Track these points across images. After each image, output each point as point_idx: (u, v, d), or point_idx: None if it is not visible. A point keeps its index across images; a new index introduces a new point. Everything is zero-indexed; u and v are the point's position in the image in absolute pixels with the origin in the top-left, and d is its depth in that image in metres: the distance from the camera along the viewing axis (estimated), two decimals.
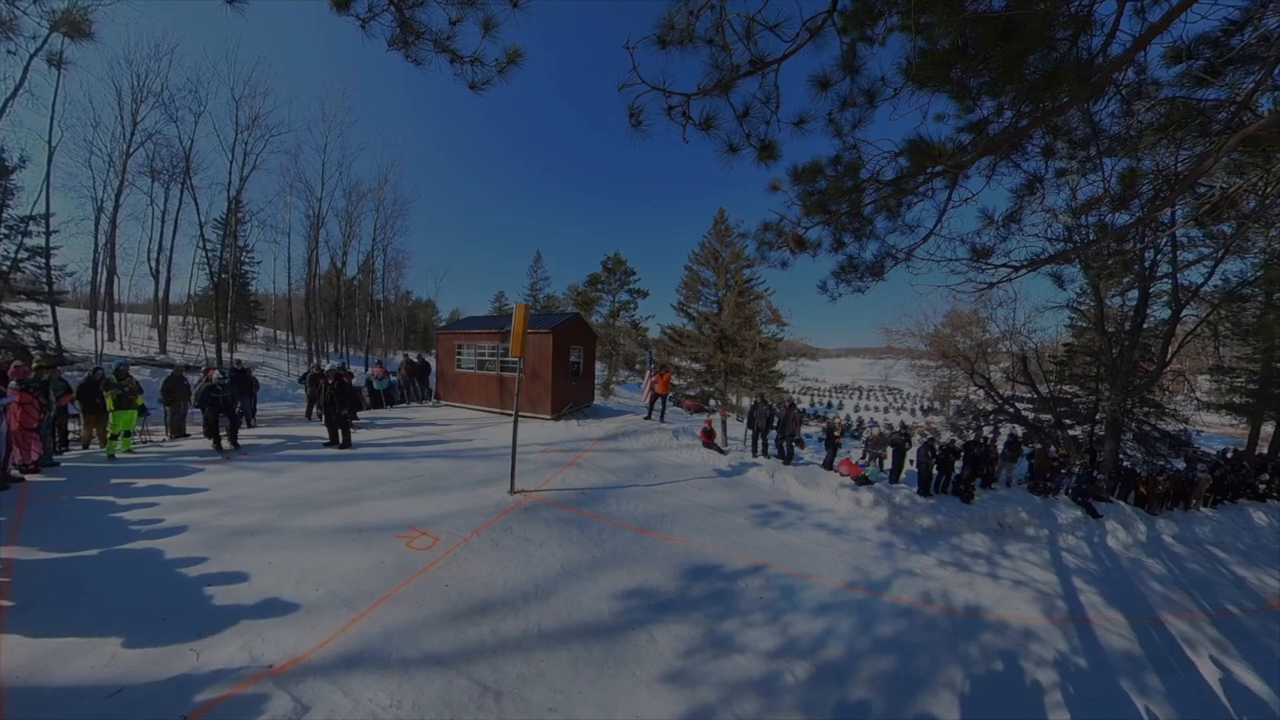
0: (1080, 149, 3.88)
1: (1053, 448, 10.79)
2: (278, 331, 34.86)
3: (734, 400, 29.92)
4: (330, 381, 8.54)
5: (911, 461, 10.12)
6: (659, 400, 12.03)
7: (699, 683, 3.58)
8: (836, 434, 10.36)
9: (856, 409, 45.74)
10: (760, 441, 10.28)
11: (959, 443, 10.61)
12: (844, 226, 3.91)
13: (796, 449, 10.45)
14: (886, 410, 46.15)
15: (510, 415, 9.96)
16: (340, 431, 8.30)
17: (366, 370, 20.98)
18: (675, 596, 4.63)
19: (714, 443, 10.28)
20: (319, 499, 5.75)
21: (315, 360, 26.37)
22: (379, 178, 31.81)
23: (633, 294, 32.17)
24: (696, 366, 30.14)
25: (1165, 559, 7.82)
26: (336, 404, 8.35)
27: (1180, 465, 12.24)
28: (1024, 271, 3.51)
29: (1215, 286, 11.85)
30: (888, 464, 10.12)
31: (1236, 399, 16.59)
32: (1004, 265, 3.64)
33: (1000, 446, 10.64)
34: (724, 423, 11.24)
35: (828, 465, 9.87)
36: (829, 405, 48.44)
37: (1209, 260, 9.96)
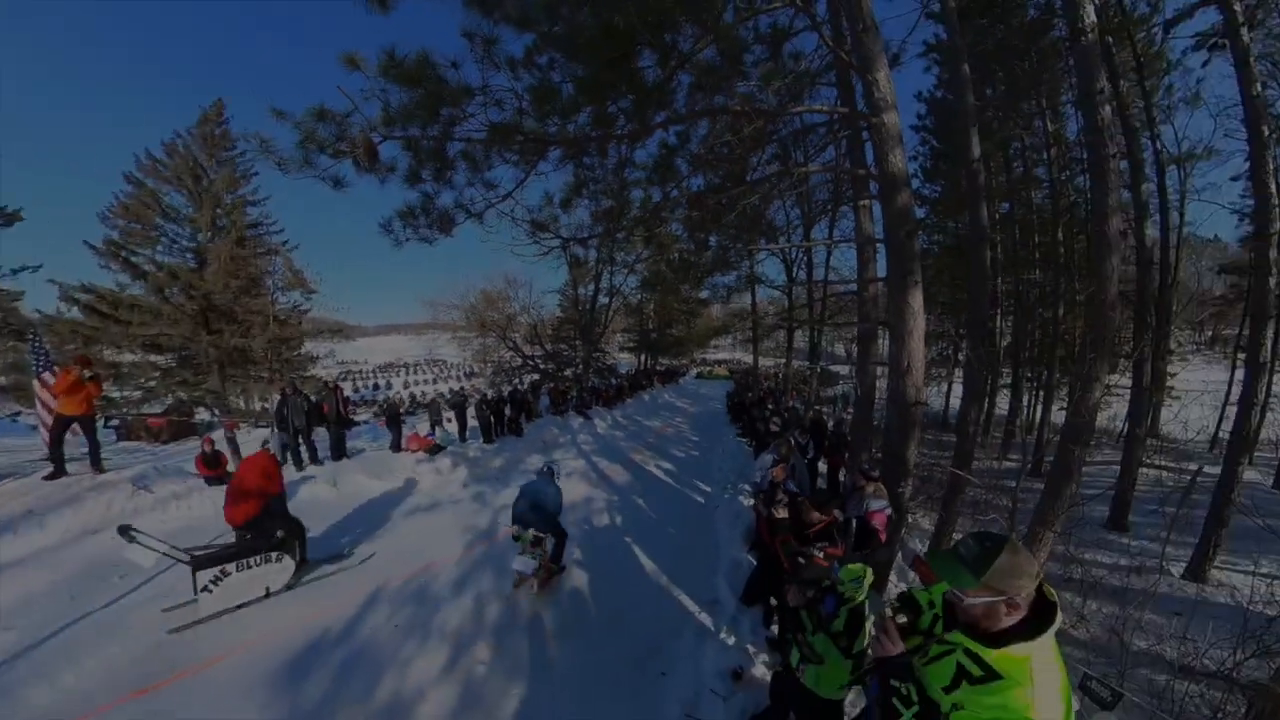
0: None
1: (562, 383, 15.13)
2: None
3: (243, 403, 21.52)
4: None
5: (473, 418, 11.32)
6: (68, 427, 6.32)
7: None
8: (400, 412, 9.95)
9: (406, 385, 44.93)
10: (304, 446, 8.07)
11: (506, 393, 12.88)
12: (427, 156, 3.72)
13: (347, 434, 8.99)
14: (435, 381, 48.12)
15: None
16: None
17: None
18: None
19: (223, 470, 7.07)
20: None
21: None
22: None
23: None
24: (160, 359, 19.19)
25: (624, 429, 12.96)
26: None
27: (615, 382, 20.33)
28: (573, 243, 4.75)
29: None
30: (453, 427, 10.88)
31: (630, 345, 29.10)
32: (556, 237, 4.76)
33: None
34: (234, 438, 7.91)
35: (396, 446, 9.25)
36: (376, 386, 44.92)
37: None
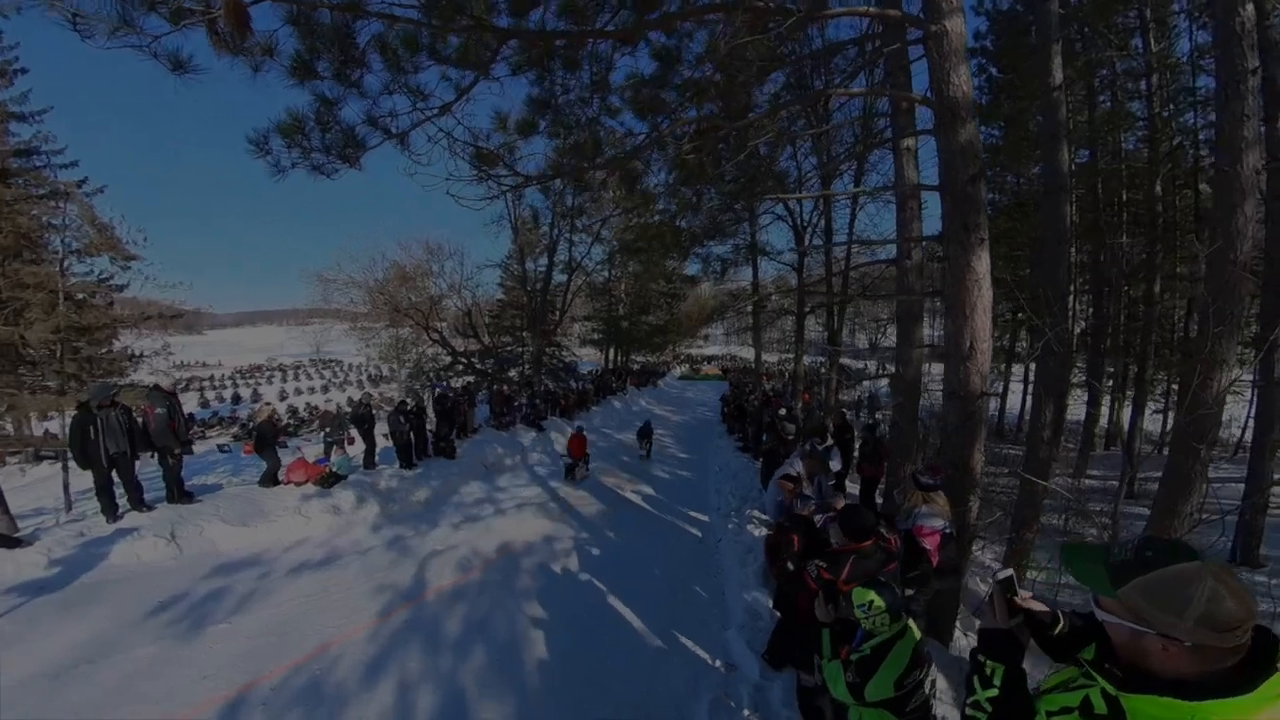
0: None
1: (506, 386, 14.81)
2: None
3: (10, 427, 18.44)
4: None
5: (385, 435, 10.79)
6: None
7: None
8: (278, 432, 9.23)
9: (284, 396, 42.84)
10: (120, 484, 6.86)
11: (430, 400, 12.41)
12: (327, 39, 3.29)
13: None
14: (328, 388, 46.38)
15: None
16: None
17: None
18: None
19: None
20: None
21: None
22: None
23: None
24: None
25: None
26: None
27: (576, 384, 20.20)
28: (533, 184, 4.43)
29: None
30: (355, 449, 10.29)
31: (595, 337, 28.91)
32: (512, 175, 4.43)
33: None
34: None
35: (270, 479, 8.46)
36: (237, 399, 42.59)
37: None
